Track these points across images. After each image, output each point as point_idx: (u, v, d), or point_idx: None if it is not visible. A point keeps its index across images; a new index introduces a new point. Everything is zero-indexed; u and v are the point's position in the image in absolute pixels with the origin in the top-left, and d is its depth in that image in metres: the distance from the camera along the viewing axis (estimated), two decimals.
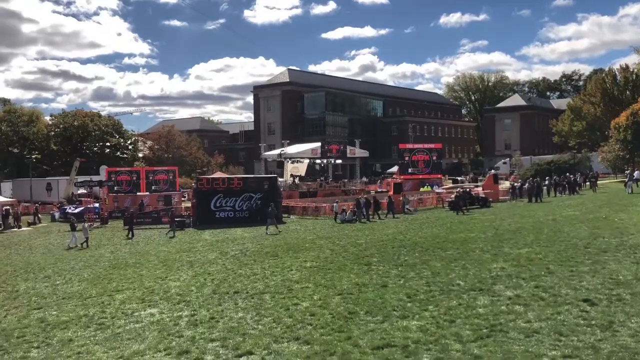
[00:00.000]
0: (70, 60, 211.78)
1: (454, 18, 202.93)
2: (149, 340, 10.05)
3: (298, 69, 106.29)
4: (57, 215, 45.20)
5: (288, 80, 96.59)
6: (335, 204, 35.41)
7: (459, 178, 70.16)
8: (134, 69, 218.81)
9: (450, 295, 12.08)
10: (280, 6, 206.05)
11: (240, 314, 11.57)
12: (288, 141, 64.46)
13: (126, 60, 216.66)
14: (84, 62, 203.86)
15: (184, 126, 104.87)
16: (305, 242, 22.81)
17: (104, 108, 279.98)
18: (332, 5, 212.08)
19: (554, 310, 10.40)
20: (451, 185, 56.76)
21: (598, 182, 47.43)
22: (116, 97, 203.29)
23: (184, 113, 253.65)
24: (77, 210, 43.69)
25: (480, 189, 43.37)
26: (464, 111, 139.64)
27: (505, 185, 49.22)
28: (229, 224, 33.21)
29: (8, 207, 43.58)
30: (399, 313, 10.78)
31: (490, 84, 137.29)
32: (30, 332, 11.25)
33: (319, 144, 56.19)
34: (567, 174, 49.85)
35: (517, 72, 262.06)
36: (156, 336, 10.27)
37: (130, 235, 30.04)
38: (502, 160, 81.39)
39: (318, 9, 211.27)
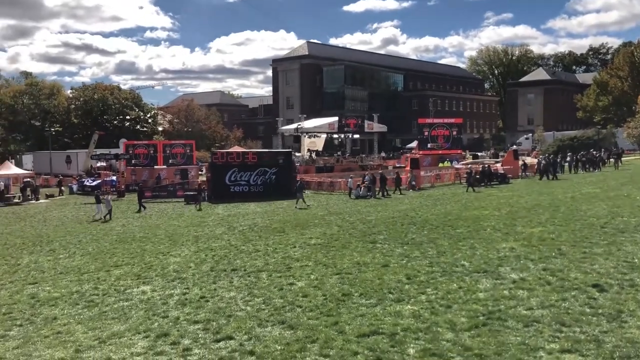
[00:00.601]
0: (93, 33, 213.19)
1: None
2: (132, 321, 9.80)
3: (317, 41, 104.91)
4: (75, 187, 45.64)
5: (307, 53, 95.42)
6: (349, 180, 34.92)
7: (479, 154, 68.96)
8: (156, 42, 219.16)
9: (452, 277, 11.53)
10: None
11: (233, 293, 11.26)
12: (305, 115, 63.81)
13: (148, 34, 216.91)
14: (107, 35, 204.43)
15: (204, 100, 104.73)
16: (315, 218, 22.44)
17: (126, 82, 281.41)
18: None
19: (559, 297, 9.78)
20: (471, 160, 55.71)
21: (623, 158, 46.08)
22: (138, 71, 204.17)
23: (205, 87, 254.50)
24: (94, 183, 44.05)
25: (499, 165, 42.47)
26: (486, 85, 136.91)
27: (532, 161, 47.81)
28: (244, 199, 33.02)
29: (29, 179, 44.14)
30: (394, 296, 10.32)
31: (514, 57, 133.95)
32: (18, 309, 11.10)
33: (336, 119, 55.47)
34: (592, 150, 48.53)
35: (542, 45, 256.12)
36: (141, 316, 10.02)
37: (140, 209, 30.02)
38: (525, 136, 79.71)
39: None
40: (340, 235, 17.56)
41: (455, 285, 10.85)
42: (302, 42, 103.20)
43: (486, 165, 39.11)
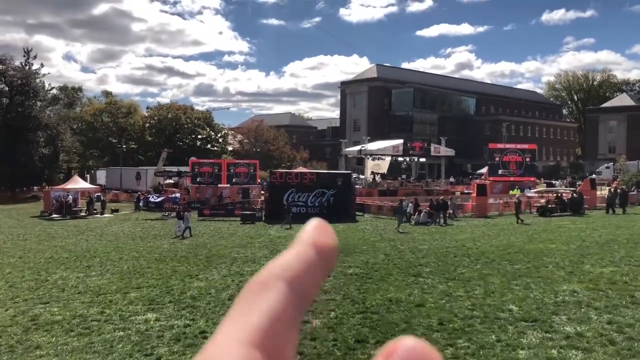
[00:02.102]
0: (174, 57, 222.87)
1: (557, 15, 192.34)
2: (112, 357, 8.97)
3: (387, 64, 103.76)
4: (141, 203, 46.51)
5: (376, 76, 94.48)
6: (409, 204, 33.30)
7: (554, 182, 65.11)
8: (233, 66, 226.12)
9: (492, 325, 9.93)
10: (376, 4, 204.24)
11: None
12: (369, 137, 62.69)
13: (226, 58, 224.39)
14: (187, 59, 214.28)
15: (274, 121, 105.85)
16: (364, 244, 21.23)
17: (204, 103, 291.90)
18: (428, 3, 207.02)
19: None
20: (544, 189, 52.48)
21: None
22: (216, 93, 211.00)
23: (278, 109, 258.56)
24: (158, 200, 44.70)
25: (574, 194, 39.49)
26: (565, 112, 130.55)
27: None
28: (301, 220, 32.14)
29: (99, 194, 45.55)
30: None
31: (595, 83, 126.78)
32: (10, 333, 10.53)
33: (401, 141, 54.11)
34: None
35: (627, 71, 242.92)
36: (125, 352, 9.15)
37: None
38: (605, 165, 74.67)
39: (414, 6, 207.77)
40: (383, 265, 16.27)
41: (493, 336, 9.24)
42: (371, 65, 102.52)
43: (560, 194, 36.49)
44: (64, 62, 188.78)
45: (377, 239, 22.98)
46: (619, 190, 36.18)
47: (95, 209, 40.99)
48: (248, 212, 34.75)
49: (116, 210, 42.45)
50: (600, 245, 19.31)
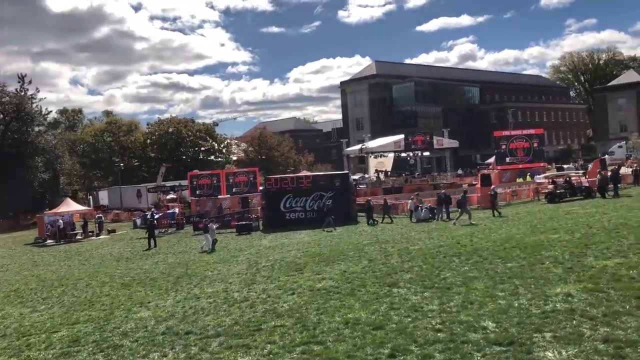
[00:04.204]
0: (179, 72, 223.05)
1: None
2: None
3: (386, 60, 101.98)
4: (139, 222, 45.42)
5: (375, 72, 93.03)
6: (410, 201, 31.90)
7: (565, 166, 63.07)
8: (237, 76, 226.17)
9: (456, 353, 8.16)
10: (374, 4, 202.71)
11: None
12: (369, 135, 61.27)
13: (230, 69, 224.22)
14: (192, 73, 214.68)
15: (278, 127, 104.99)
16: (353, 249, 19.74)
17: (212, 115, 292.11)
18: None
19: None
20: (555, 173, 50.72)
21: None
22: (222, 105, 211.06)
23: (286, 115, 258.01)
24: (156, 216, 43.58)
25: (583, 177, 37.78)
26: (572, 93, 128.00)
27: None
28: (299, 226, 30.95)
29: (100, 215, 44.69)
30: None
31: (601, 62, 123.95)
32: None
33: (402, 136, 52.50)
34: None
35: (632, 49, 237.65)
36: None
37: (151, 245, 28.59)
38: (617, 144, 72.43)
39: (412, 2, 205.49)
40: (360, 275, 14.78)
41: None
42: (370, 62, 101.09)
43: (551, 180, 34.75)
44: (70, 87, 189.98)
45: (369, 242, 21.53)
46: (611, 172, 34.19)
47: (92, 231, 40.03)
48: (244, 223, 33.54)
49: (113, 231, 41.43)
50: (608, 231, 17.61)
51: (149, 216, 44.66)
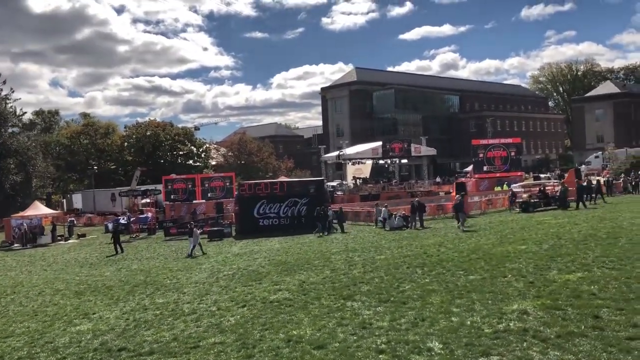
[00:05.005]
0: (161, 76, 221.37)
1: (536, 10, 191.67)
2: None
3: (367, 67, 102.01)
4: (110, 226, 44.47)
5: (355, 79, 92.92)
6: (383, 209, 31.51)
7: (542, 175, 63.37)
8: (220, 81, 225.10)
9: None
10: (357, 11, 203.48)
11: None
12: (347, 142, 61.03)
13: (212, 74, 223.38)
14: (174, 77, 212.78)
15: (259, 133, 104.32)
16: (319, 258, 19.27)
17: (194, 120, 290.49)
18: (408, 6, 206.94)
19: None
20: (529, 182, 50.84)
21: None
22: (205, 109, 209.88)
23: (268, 121, 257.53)
24: (127, 221, 42.70)
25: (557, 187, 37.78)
26: (551, 103, 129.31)
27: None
28: (272, 233, 30.43)
29: (72, 219, 43.61)
30: None
31: (579, 73, 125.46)
32: None
33: (380, 143, 52.33)
34: None
35: (610, 61, 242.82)
36: None
37: (118, 250, 27.96)
38: (594, 154, 73.13)
39: (395, 11, 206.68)
40: (318, 286, 14.33)
41: None
42: (350, 68, 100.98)
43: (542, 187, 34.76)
44: (50, 88, 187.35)
45: (338, 250, 21.06)
46: (584, 184, 34.35)
47: (61, 235, 39.07)
48: (215, 229, 32.93)
49: (83, 235, 40.52)
50: (576, 243, 17.35)
51: (122, 220, 43.89)
